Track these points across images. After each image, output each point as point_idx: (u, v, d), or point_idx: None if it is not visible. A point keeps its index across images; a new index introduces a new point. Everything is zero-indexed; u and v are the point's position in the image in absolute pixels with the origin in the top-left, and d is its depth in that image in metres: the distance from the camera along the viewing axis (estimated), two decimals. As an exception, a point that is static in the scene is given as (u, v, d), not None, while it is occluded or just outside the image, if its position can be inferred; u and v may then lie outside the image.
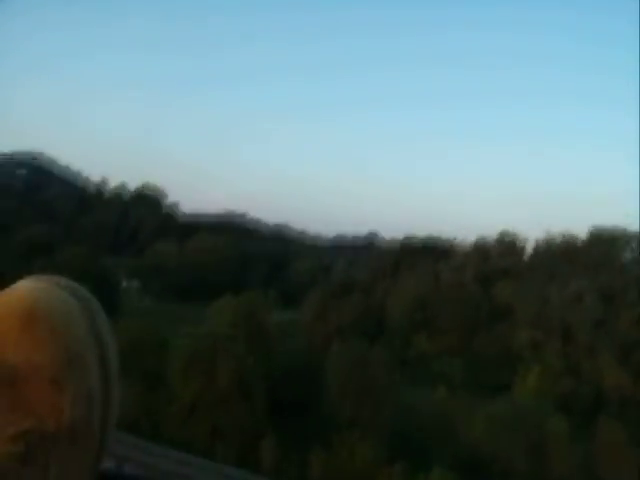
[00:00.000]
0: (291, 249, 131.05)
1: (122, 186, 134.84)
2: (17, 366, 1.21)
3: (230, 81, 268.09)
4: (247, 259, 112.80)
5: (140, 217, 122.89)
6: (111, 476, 1.50)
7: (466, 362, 67.78)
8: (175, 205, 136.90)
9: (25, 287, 1.32)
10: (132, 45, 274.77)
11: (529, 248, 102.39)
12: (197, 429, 42.67)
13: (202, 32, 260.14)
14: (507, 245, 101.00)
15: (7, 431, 1.20)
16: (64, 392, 1.24)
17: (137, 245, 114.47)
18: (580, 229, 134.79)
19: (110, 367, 1.37)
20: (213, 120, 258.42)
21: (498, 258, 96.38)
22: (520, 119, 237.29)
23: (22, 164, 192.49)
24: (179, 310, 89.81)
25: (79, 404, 1.26)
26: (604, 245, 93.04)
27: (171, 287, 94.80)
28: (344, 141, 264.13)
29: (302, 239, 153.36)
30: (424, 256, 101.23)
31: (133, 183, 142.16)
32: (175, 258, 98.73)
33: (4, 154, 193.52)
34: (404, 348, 74.51)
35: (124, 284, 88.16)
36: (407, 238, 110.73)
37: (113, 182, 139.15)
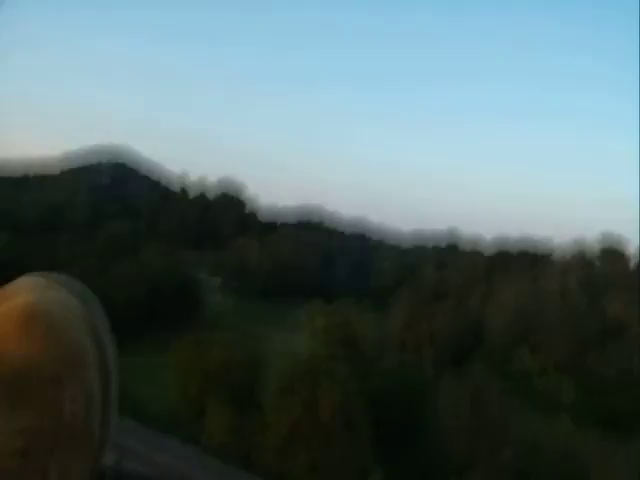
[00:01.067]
0: (371, 245, 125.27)
1: (202, 180, 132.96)
2: (16, 364, 1.21)
3: (310, 78, 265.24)
4: (328, 257, 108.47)
5: (221, 213, 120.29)
6: (111, 474, 1.49)
7: (578, 382, 60.83)
8: (254, 200, 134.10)
9: (24, 285, 1.34)
10: (216, 38, 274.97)
11: (633, 253, 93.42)
12: (295, 462, 38.10)
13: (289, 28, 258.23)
14: (610, 250, 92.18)
15: (7, 429, 1.19)
16: (63, 390, 1.24)
17: (218, 241, 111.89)
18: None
19: (109, 365, 1.38)
20: (290, 115, 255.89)
21: (602, 264, 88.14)
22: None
23: (105, 159, 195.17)
24: (262, 310, 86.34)
25: (78, 402, 1.26)
26: None
27: (252, 285, 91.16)
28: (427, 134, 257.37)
29: (381, 234, 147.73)
30: (519, 259, 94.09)
31: (211, 177, 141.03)
32: (256, 255, 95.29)
33: (88, 149, 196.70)
34: (504, 363, 68.16)
35: (205, 281, 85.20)
36: (499, 239, 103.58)
37: (192, 176, 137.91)
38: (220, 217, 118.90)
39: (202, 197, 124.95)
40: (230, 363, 43.15)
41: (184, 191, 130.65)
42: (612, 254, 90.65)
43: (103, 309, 1.45)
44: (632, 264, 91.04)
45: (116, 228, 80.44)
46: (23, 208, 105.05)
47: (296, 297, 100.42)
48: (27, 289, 1.30)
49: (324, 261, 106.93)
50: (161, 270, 67.67)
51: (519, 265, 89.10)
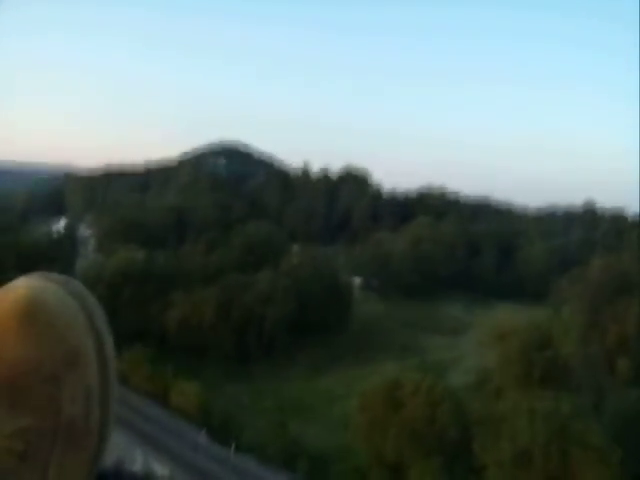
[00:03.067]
0: (514, 229, 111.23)
1: (325, 169, 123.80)
2: (15, 363, 1.21)
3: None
4: (470, 244, 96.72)
5: (350, 202, 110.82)
6: (110, 474, 1.46)
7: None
8: (381, 185, 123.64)
9: (23, 285, 1.32)
10: (317, 27, 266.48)
11: None
12: None
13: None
14: None
15: (6, 428, 1.19)
16: (63, 389, 1.24)
17: (350, 234, 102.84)
18: None
19: (108, 364, 1.37)
20: (403, 94, 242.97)
21: None
22: None
23: (221, 153, 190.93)
24: (412, 312, 74.72)
25: (78, 401, 1.26)
26: None
27: (395, 282, 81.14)
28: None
29: (513, 212, 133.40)
30: None
31: (327, 165, 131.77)
32: (397, 248, 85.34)
33: (203, 145, 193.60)
34: None
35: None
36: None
37: (307, 165, 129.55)
38: (350, 207, 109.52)
39: (327, 185, 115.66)
40: (435, 409, 33.31)
41: (308, 180, 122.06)
42: None
43: (101, 307, 1.41)
44: None
45: (250, 231, 72.51)
46: (147, 212, 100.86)
47: (441, 292, 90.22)
48: (25, 289, 1.29)
49: (467, 250, 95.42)
50: (309, 277, 59.10)
51: None
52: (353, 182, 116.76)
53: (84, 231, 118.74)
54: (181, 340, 50.38)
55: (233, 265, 63.79)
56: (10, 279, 1.27)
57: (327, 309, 57.97)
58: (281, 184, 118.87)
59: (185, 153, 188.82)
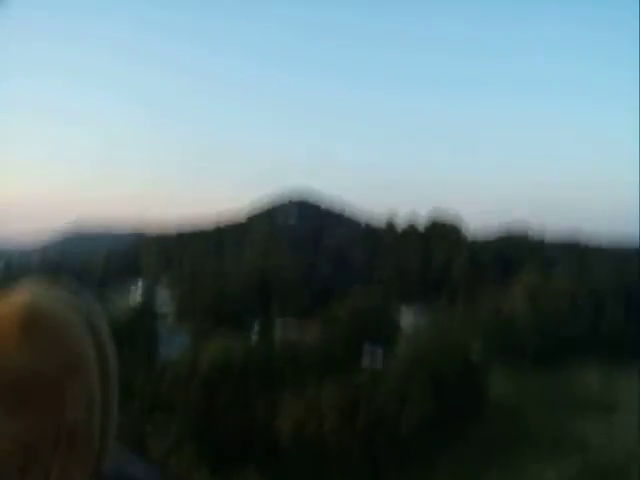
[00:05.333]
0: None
1: (412, 219, 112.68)
2: (18, 369, 1.20)
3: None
4: (595, 295, 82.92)
5: (443, 253, 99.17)
6: (112, 478, 1.43)
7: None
8: (475, 234, 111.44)
9: (26, 291, 1.32)
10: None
11: None
12: None
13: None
14: None
15: (8, 434, 1.18)
16: (64, 393, 1.22)
17: (449, 289, 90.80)
18: None
19: (110, 370, 1.35)
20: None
21: None
22: None
23: (292, 205, 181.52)
24: (548, 386, 61.16)
25: (79, 405, 1.24)
26: None
27: (518, 346, 67.89)
28: None
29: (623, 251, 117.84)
30: None
31: (411, 214, 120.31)
32: (511, 305, 73.01)
33: (272, 195, 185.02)
34: None
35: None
36: None
37: (393, 216, 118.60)
38: (445, 259, 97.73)
39: (418, 237, 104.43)
40: None
41: (395, 233, 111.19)
42: None
43: (103, 314, 1.40)
44: None
45: (358, 300, 61.57)
46: (225, 278, 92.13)
47: (569, 355, 75.98)
48: (28, 295, 1.28)
49: (590, 302, 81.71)
50: (439, 357, 47.47)
51: None
52: (444, 232, 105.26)
53: (161, 295, 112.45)
54: (296, 450, 39.75)
55: (341, 344, 53.41)
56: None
57: (461, 394, 46.50)
58: (366, 239, 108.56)
59: (254, 206, 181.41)
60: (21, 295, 1.26)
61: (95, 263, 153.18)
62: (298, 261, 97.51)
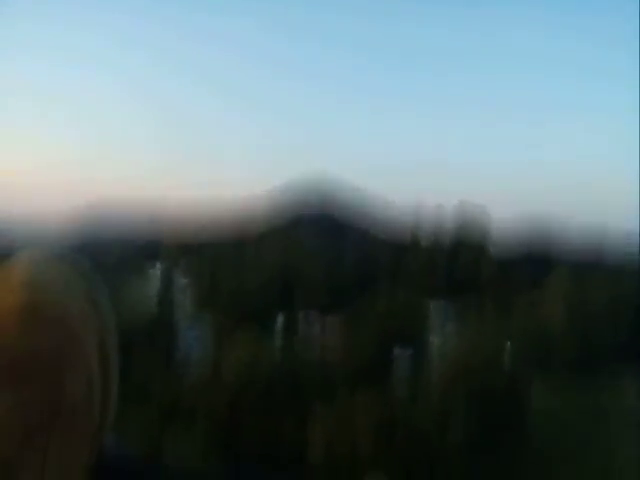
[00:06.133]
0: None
1: (439, 213, 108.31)
2: (17, 348, 1.19)
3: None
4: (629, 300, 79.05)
5: (470, 254, 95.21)
6: (110, 456, 1.41)
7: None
8: (501, 230, 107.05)
9: (24, 264, 1.29)
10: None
11: None
12: None
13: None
14: None
15: (7, 410, 1.17)
16: (64, 371, 1.22)
17: (475, 294, 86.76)
18: None
19: (110, 352, 1.34)
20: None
21: None
22: None
23: (315, 198, 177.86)
24: (594, 399, 55.78)
25: (79, 383, 1.24)
26: None
27: (556, 355, 63.88)
28: None
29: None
30: None
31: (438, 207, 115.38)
32: (547, 312, 69.30)
33: (295, 189, 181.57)
34: None
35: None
36: None
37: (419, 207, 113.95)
38: (471, 256, 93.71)
39: (442, 231, 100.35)
40: None
41: (418, 226, 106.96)
42: None
43: (104, 286, 1.38)
44: None
45: (385, 299, 58.19)
46: (246, 273, 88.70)
47: (609, 365, 72.24)
48: (28, 270, 1.26)
49: (626, 308, 77.85)
50: (482, 369, 43.80)
51: None
52: (471, 228, 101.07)
53: (180, 282, 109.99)
54: (327, 468, 36.33)
55: (370, 347, 49.98)
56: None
57: (504, 409, 42.84)
58: (390, 233, 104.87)
59: (275, 198, 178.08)
60: (20, 273, 1.24)
61: (113, 247, 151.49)
62: (321, 255, 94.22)
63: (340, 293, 71.56)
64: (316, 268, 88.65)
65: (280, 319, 66.05)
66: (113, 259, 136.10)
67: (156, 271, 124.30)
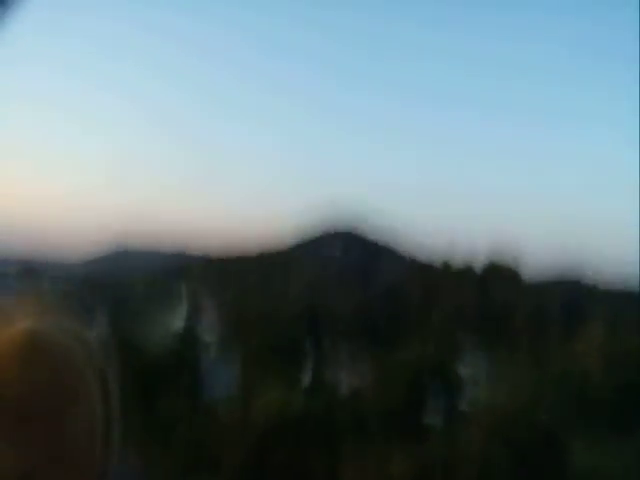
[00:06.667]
0: None
1: (469, 259, 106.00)
2: (17, 395, 1.18)
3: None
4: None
5: (500, 298, 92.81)
6: None
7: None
8: (533, 275, 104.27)
9: (25, 325, 1.30)
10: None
11: None
12: None
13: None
14: None
15: (10, 464, 1.16)
16: (65, 421, 1.21)
17: (507, 339, 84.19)
18: None
19: (111, 401, 1.34)
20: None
21: None
22: None
23: (339, 235, 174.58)
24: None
25: (80, 436, 1.23)
26: None
27: (598, 408, 61.80)
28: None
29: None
30: None
31: (470, 253, 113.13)
32: (589, 361, 66.29)
33: (318, 224, 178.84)
34: None
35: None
36: None
37: (450, 254, 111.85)
38: (503, 305, 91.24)
39: (475, 279, 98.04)
40: None
41: (448, 268, 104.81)
42: None
43: (100, 347, 1.38)
44: None
45: (416, 346, 56.25)
46: (272, 305, 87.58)
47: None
48: (28, 328, 1.27)
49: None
50: (523, 430, 41.35)
51: None
52: (503, 272, 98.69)
53: (205, 320, 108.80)
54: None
55: (401, 396, 47.91)
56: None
57: (543, 465, 40.21)
58: (419, 276, 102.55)
59: (299, 233, 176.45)
60: (21, 329, 1.25)
61: (138, 283, 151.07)
62: (347, 296, 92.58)
63: (370, 324, 69.54)
64: (345, 294, 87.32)
65: (309, 352, 64.45)
66: (139, 296, 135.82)
67: (182, 308, 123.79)
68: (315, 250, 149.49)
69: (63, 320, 1.29)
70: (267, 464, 36.79)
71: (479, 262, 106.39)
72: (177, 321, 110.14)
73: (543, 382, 61.29)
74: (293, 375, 50.78)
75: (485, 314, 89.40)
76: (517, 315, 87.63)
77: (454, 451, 38.48)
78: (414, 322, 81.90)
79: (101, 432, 1.24)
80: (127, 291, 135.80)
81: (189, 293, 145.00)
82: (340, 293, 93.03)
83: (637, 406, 64.56)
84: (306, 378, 53.38)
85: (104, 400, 1.26)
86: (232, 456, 37.48)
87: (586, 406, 61.74)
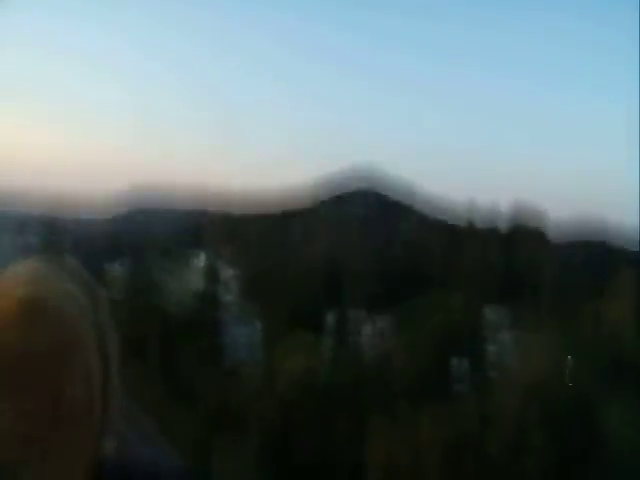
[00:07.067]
0: None
1: (493, 215, 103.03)
2: (17, 349, 1.20)
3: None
4: None
5: (526, 255, 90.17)
6: (112, 459, 1.41)
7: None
8: (558, 232, 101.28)
9: (25, 270, 1.31)
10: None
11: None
12: None
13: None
14: None
15: (8, 414, 1.17)
16: (63, 375, 1.22)
17: (532, 296, 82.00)
18: None
19: (109, 349, 1.35)
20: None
21: None
22: None
23: (362, 192, 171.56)
24: None
25: (78, 384, 1.24)
26: None
27: (631, 369, 59.17)
28: None
29: None
30: None
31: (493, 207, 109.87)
32: (619, 319, 63.89)
33: (341, 182, 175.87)
34: None
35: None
36: None
37: (472, 210, 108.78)
38: (528, 261, 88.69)
39: (499, 235, 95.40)
40: None
41: (471, 226, 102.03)
42: None
43: (104, 295, 1.40)
44: None
45: (441, 305, 54.13)
46: (291, 260, 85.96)
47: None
48: (27, 275, 1.28)
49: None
50: (554, 393, 39.57)
51: None
52: (527, 230, 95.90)
53: (225, 275, 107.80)
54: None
55: (426, 355, 46.30)
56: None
57: (578, 431, 38.36)
58: (441, 234, 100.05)
59: (321, 190, 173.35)
60: (21, 275, 1.26)
61: (157, 238, 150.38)
62: (369, 253, 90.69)
63: (391, 285, 67.72)
64: (365, 256, 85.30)
65: (329, 316, 63.12)
66: (158, 251, 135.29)
67: (201, 262, 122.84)
68: (337, 209, 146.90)
69: (71, 282, 1.27)
70: (292, 427, 35.73)
71: (504, 222, 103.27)
72: (197, 280, 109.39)
73: (573, 346, 59.23)
74: (316, 337, 49.32)
75: (510, 275, 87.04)
76: (543, 276, 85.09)
77: (485, 417, 36.92)
78: (438, 284, 79.74)
79: (100, 396, 1.24)
80: (146, 249, 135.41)
81: (209, 252, 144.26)
82: (362, 253, 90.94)
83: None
84: (329, 341, 51.91)
85: (101, 351, 1.26)
86: (257, 419, 36.44)
87: (618, 369, 59.74)
